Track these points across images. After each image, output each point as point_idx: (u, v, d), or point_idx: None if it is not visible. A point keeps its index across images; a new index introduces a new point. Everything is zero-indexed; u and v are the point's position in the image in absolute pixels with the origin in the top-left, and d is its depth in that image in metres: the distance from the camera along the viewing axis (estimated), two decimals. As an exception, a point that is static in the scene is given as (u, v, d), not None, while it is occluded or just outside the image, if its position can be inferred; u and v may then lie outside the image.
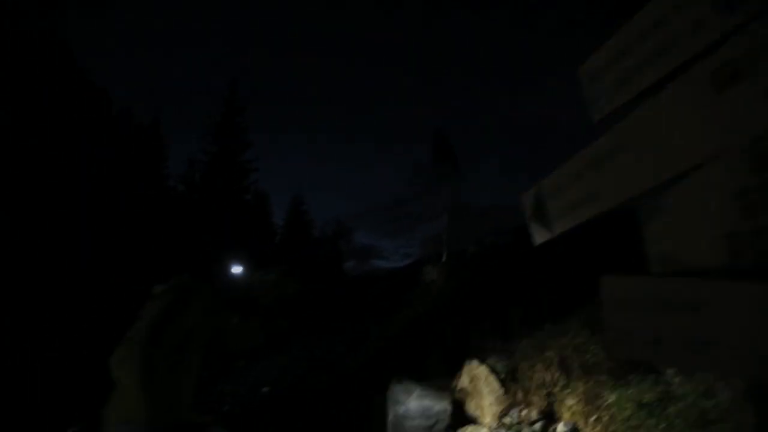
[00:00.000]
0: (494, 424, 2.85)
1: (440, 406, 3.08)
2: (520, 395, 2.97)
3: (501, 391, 2.99)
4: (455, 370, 3.49)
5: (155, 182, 19.93)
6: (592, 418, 2.30)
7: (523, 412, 2.80)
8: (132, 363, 1.38)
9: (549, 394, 2.76)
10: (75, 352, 5.39)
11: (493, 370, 3.14)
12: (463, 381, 3.29)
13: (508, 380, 3.07)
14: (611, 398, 2.24)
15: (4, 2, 11.09)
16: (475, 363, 3.24)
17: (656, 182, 0.90)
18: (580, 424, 2.40)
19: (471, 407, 3.13)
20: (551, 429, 2.56)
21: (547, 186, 1.22)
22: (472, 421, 3.03)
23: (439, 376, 3.68)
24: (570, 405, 2.54)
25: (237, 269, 7.92)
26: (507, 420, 2.80)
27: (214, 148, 21.09)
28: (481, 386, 3.09)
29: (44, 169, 13.01)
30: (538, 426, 2.63)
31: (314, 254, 23.27)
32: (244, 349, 2.00)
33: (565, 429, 2.43)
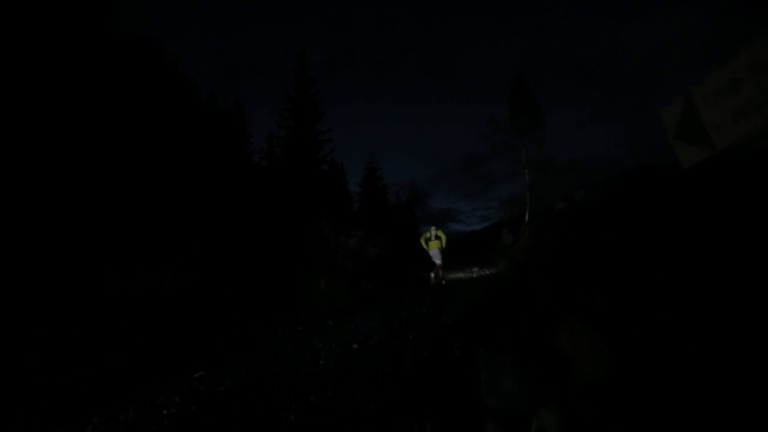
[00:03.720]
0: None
1: (537, 366, 2.90)
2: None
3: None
4: (547, 330, 3.25)
5: (242, 161, 21.70)
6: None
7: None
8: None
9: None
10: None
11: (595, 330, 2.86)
12: (561, 340, 3.05)
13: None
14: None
15: (99, 4, 12.19)
16: (575, 321, 2.97)
17: None
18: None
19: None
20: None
21: (704, 90, 0.92)
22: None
23: (530, 336, 3.48)
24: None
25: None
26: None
27: (291, 123, 22.12)
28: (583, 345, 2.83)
29: (147, 165, 14.74)
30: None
31: (390, 221, 23.68)
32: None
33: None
